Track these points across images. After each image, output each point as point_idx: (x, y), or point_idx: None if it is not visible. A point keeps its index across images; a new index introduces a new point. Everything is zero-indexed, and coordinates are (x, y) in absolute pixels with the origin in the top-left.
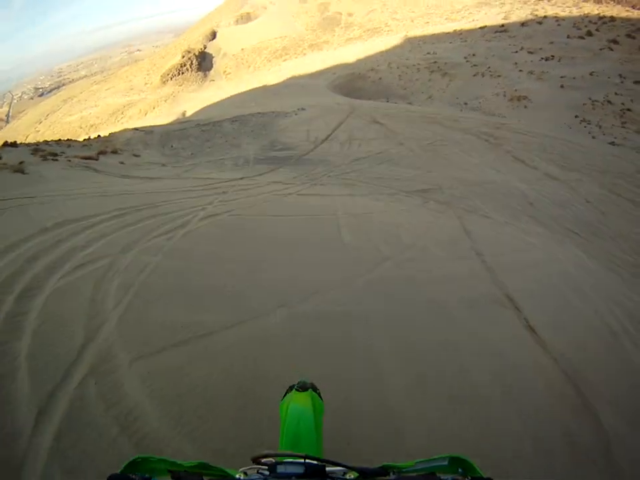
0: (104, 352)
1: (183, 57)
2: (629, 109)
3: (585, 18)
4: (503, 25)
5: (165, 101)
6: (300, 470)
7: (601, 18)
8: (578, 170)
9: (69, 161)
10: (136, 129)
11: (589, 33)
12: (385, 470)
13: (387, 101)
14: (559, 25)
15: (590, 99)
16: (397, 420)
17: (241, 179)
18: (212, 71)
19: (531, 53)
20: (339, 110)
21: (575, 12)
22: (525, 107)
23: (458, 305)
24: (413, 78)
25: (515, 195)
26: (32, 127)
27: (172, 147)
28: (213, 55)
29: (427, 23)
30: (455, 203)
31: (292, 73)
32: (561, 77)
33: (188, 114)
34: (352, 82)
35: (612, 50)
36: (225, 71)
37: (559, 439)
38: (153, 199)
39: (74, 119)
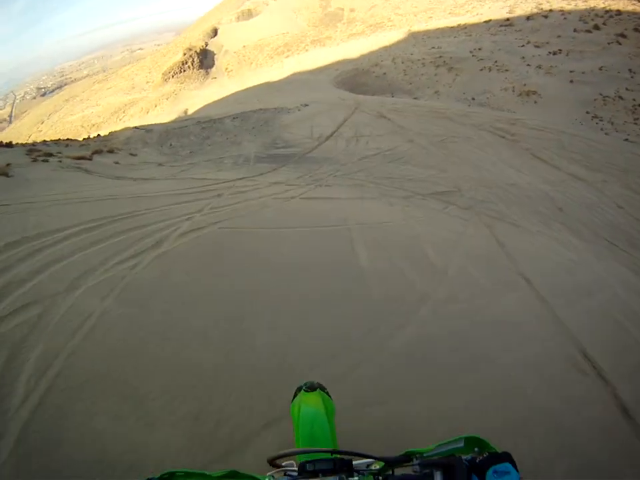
0: None
1: (185, 54)
2: None
3: (591, 11)
4: (508, 19)
5: (167, 99)
6: (329, 466)
7: (607, 11)
8: (600, 170)
9: (60, 161)
10: (136, 127)
11: (596, 27)
12: (408, 457)
13: (392, 96)
14: (565, 18)
15: (601, 94)
16: None
17: (240, 179)
18: (214, 69)
19: (537, 47)
20: (344, 105)
21: (581, 5)
22: (535, 102)
23: (530, 382)
24: (419, 73)
25: (541, 197)
26: (34, 127)
27: (171, 145)
28: (215, 52)
29: (430, 17)
30: (478, 208)
31: (294, 70)
32: (570, 72)
33: (190, 112)
34: (356, 77)
35: (620, 44)
36: (227, 68)
37: None
38: (135, 206)
39: (76, 119)
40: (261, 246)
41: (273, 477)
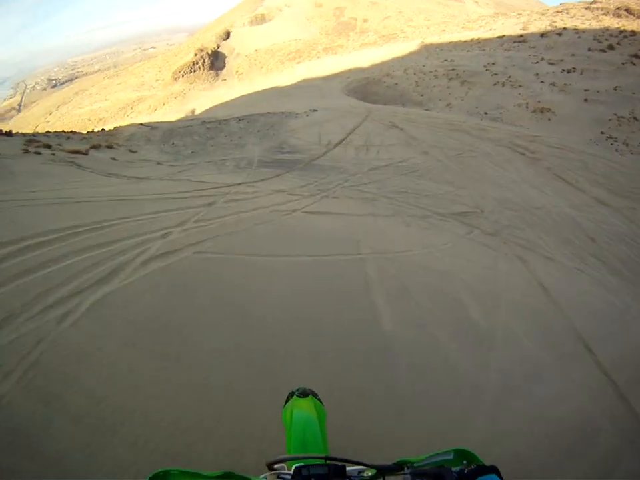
0: None
1: (196, 55)
2: None
3: (606, 31)
4: (521, 35)
5: (175, 98)
6: (324, 471)
7: (621, 32)
8: (626, 195)
9: (53, 154)
10: (141, 124)
11: (611, 47)
12: (399, 466)
13: (403, 107)
14: (579, 37)
15: (615, 114)
16: None
17: (239, 184)
18: (224, 71)
19: (552, 64)
20: (354, 113)
21: (595, 25)
22: (549, 119)
23: None
24: (431, 85)
25: (569, 224)
26: (42, 118)
27: (173, 144)
28: (226, 54)
29: (443, 31)
30: (505, 235)
31: (305, 76)
32: (585, 90)
33: (197, 112)
34: (367, 86)
35: (634, 65)
36: (237, 71)
37: None
38: (110, 214)
39: (84, 112)
40: (243, 286)
41: (266, 479)
